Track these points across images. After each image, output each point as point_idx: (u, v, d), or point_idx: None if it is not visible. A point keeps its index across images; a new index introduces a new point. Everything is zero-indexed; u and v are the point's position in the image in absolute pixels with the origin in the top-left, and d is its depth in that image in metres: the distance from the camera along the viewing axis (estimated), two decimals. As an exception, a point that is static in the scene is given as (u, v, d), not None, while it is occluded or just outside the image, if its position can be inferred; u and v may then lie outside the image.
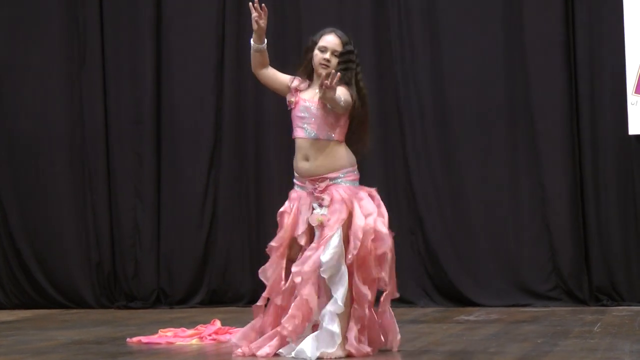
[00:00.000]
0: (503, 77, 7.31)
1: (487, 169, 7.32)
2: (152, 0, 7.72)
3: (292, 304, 4.59)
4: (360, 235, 4.50)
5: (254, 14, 4.62)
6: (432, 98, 7.40)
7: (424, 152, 7.40)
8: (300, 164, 4.67)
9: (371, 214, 4.58)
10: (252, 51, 4.74)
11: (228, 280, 7.62)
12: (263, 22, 4.61)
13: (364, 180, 6.91)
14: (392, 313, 4.82)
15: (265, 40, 4.69)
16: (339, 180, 4.63)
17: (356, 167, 4.71)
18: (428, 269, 7.37)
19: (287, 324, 4.58)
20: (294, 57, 7.35)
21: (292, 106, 4.70)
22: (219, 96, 7.66)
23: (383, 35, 7.48)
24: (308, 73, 4.72)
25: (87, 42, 7.78)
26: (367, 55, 7.35)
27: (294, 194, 4.75)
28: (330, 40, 4.63)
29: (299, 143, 4.68)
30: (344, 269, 4.54)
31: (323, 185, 4.60)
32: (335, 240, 4.51)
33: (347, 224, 4.56)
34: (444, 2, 7.42)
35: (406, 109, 7.41)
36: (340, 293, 4.52)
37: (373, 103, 7.00)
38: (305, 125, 4.62)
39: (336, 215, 4.52)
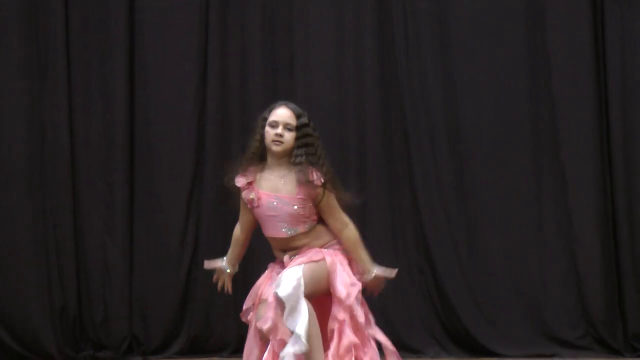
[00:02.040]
0: (525, 97, 6.75)
1: (506, 200, 6.75)
2: (124, 8, 7.00)
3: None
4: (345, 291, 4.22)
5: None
6: (443, 120, 6.83)
7: (435, 181, 6.81)
8: (278, 254, 4.41)
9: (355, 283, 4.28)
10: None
11: (211, 325, 6.93)
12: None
13: (367, 213, 6.66)
14: None
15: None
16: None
17: (337, 241, 4.38)
18: (439, 314, 6.78)
19: None
20: (284, 76, 6.84)
21: (256, 204, 4.32)
22: (200, 117, 6.97)
23: (387, 50, 6.88)
24: (260, 155, 4.36)
25: (49, 54, 7.02)
26: (369, 72, 6.85)
27: (272, 263, 4.49)
28: (280, 113, 4.32)
29: (276, 240, 4.37)
30: (303, 302, 4.12)
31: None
32: (296, 271, 4.16)
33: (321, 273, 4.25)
34: (457, 14, 6.83)
35: (414, 133, 6.83)
36: (301, 326, 4.06)
37: (376, 126, 6.75)
38: (281, 224, 4.30)
39: (307, 256, 4.24)
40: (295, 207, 4.26)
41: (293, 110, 4.35)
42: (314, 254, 4.27)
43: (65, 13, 7.00)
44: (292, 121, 4.31)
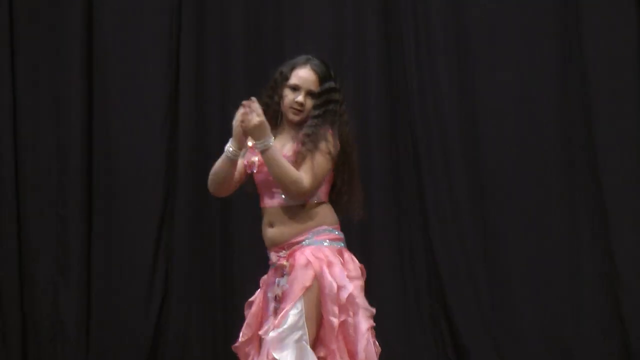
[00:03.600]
0: (556, 113, 6.05)
1: (535, 235, 6.03)
2: (81, 11, 6.35)
3: None
4: (336, 310, 3.89)
5: (240, 112, 3.90)
6: (460, 142, 6.16)
7: (451, 214, 6.11)
8: (264, 231, 4.05)
9: (344, 286, 3.91)
10: (223, 159, 4.00)
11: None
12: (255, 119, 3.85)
13: (371, 250, 5.97)
14: None
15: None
16: (307, 241, 3.94)
17: (336, 226, 4.02)
18: (457, 372, 6.10)
19: None
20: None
21: (254, 168, 4.01)
22: (171, 140, 6.34)
23: (394, 56, 6.20)
24: (272, 115, 4.04)
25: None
26: (373, 84, 6.22)
27: (264, 277, 4.12)
28: (304, 76, 3.98)
29: (266, 211, 4.05)
30: (309, 354, 3.84)
31: (287, 252, 3.96)
32: (292, 317, 3.85)
33: (317, 294, 3.92)
34: (476, 12, 6.14)
35: (425, 157, 6.17)
36: None
37: (381, 146, 6.25)
38: (277, 189, 3.98)
39: (295, 284, 3.90)
40: (297, 165, 3.91)
41: (318, 71, 3.95)
42: (301, 272, 3.86)
43: (10, 19, 6.39)
44: (315, 87, 3.95)
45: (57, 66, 6.39)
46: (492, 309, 6.02)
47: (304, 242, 3.92)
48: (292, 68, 3.96)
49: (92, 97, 6.38)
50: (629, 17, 5.91)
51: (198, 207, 6.33)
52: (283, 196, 3.91)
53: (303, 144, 3.87)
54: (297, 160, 3.88)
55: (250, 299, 4.10)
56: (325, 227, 3.95)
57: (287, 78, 3.95)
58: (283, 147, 3.99)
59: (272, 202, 3.96)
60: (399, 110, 6.20)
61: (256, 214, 6.11)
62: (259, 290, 4.08)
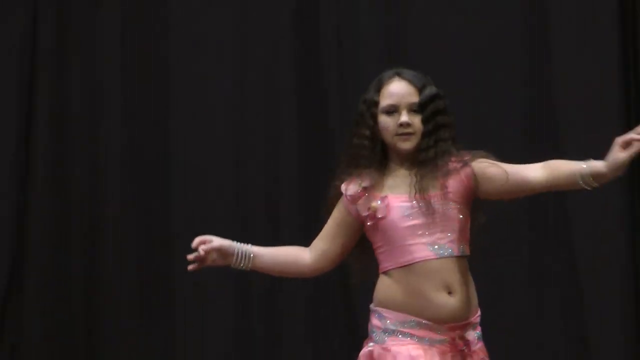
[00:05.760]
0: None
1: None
2: None
3: None
4: None
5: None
6: None
7: None
8: (440, 298, 3.13)
9: None
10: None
11: None
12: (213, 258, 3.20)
13: None
14: None
15: (242, 251, 3.20)
16: (479, 324, 3.22)
17: None
18: None
19: None
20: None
21: (381, 214, 3.25)
22: (20, 211, 5.05)
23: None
24: (370, 158, 3.31)
25: None
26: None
27: (411, 349, 3.11)
28: (397, 90, 3.31)
29: (428, 267, 3.14)
30: None
31: (472, 335, 3.15)
32: None
33: None
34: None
35: None
36: None
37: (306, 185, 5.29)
38: (429, 238, 3.17)
39: None
40: (451, 205, 3.16)
41: (414, 81, 3.25)
42: None
43: None
44: (415, 97, 3.24)
45: None
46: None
47: (479, 326, 3.20)
48: (378, 89, 3.29)
49: None
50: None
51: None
52: (431, 249, 3.11)
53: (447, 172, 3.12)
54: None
55: None
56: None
57: (376, 103, 3.27)
58: (409, 184, 3.24)
59: (418, 254, 3.12)
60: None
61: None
62: None
